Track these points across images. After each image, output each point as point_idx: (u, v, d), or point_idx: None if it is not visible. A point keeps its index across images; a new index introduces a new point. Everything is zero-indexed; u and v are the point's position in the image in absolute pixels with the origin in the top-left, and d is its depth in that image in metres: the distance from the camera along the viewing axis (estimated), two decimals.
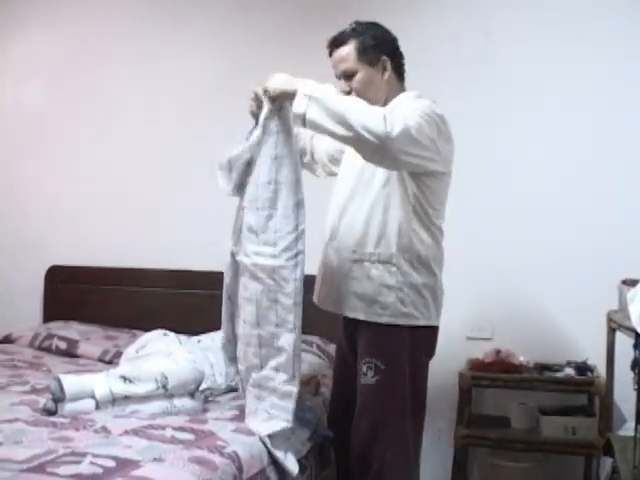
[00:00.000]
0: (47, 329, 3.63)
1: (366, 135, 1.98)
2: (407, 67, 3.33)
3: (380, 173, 2.23)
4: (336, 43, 2.31)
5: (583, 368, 2.97)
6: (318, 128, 2.07)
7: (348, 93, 2.29)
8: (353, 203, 2.29)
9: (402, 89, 2.40)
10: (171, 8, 3.89)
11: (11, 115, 4.20)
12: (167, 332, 2.95)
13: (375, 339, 2.24)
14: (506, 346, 3.07)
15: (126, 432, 2.03)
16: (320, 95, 2.03)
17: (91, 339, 3.49)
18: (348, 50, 2.28)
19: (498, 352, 3.04)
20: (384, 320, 2.21)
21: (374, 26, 2.35)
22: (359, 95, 2.26)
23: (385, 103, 2.30)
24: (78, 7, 4.08)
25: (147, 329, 3.07)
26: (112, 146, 3.95)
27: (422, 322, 2.23)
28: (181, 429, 2.10)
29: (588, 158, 3.23)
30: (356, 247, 2.25)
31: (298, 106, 2.03)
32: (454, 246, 3.30)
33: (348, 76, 2.29)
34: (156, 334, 2.94)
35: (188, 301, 3.61)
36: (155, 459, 1.79)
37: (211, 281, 3.50)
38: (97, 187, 3.97)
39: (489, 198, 3.33)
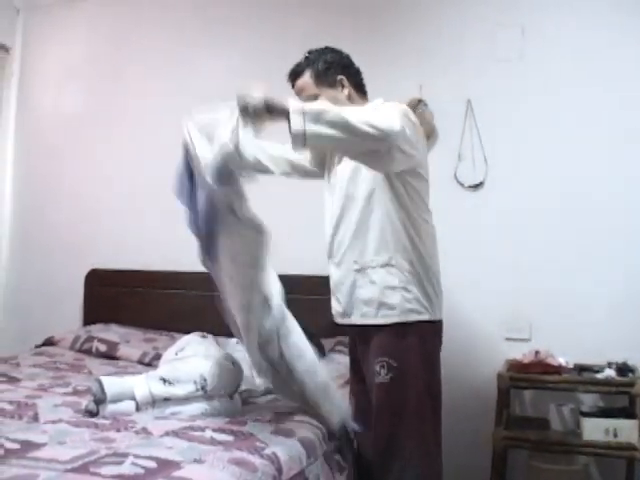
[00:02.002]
0: (87, 332, 3.68)
1: (371, 131, 1.97)
2: (445, 64, 3.36)
3: (364, 185, 2.29)
4: (294, 76, 2.43)
5: (624, 369, 2.92)
6: (320, 140, 1.99)
7: None
8: (344, 219, 2.35)
9: (366, 102, 2.48)
10: (202, 14, 3.94)
11: (51, 120, 4.29)
12: (205, 334, 2.98)
13: (385, 339, 2.29)
14: (545, 347, 3.04)
15: (166, 433, 2.04)
16: (313, 108, 1.98)
17: (130, 341, 3.53)
18: (305, 79, 2.39)
19: (537, 353, 3.00)
20: (393, 320, 2.27)
21: (326, 51, 2.44)
22: None
23: None
24: (113, 15, 4.16)
25: (185, 331, 3.10)
26: (149, 150, 4.00)
27: (427, 317, 2.29)
28: (220, 430, 2.11)
29: (625, 157, 3.18)
30: (357, 258, 2.32)
31: (295, 124, 1.93)
32: (491, 246, 3.31)
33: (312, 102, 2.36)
34: (194, 336, 2.96)
35: None
36: (195, 460, 1.80)
37: None
38: (135, 191, 4.02)
39: (525, 197, 3.30)
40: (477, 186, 3.38)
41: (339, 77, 2.40)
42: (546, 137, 3.29)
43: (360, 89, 2.48)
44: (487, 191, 3.37)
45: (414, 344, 2.27)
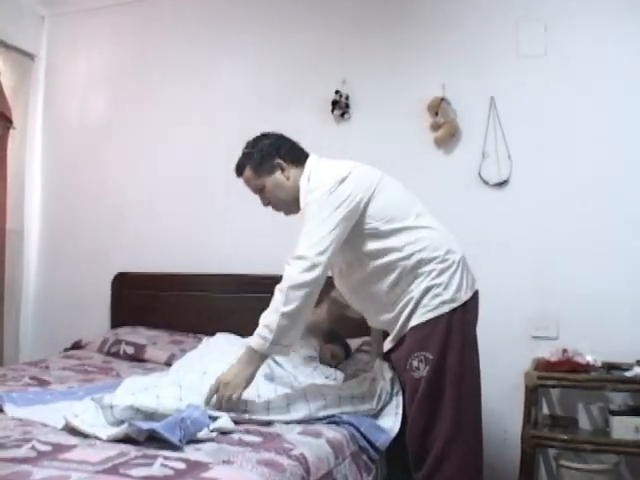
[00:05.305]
0: (115, 334, 3.71)
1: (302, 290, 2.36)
2: (467, 61, 3.34)
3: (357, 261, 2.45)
4: (238, 172, 2.63)
5: None
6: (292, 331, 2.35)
7: (267, 204, 2.62)
8: (360, 292, 2.52)
9: (302, 168, 2.57)
10: (227, 23, 3.98)
11: (77, 126, 4.33)
12: (229, 335, 2.99)
13: (417, 336, 2.37)
14: (572, 345, 3.01)
15: None
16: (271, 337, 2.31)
17: (158, 344, 3.55)
18: (247, 173, 2.58)
19: (564, 351, 2.98)
20: (429, 317, 2.35)
21: (259, 140, 2.60)
22: (275, 200, 2.58)
23: (298, 192, 2.53)
24: (137, 23, 4.21)
25: (212, 333, 3.11)
26: (174, 156, 4.04)
27: (456, 304, 2.36)
28: (248, 432, 2.13)
29: None
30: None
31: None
32: (517, 244, 3.29)
33: (259, 190, 2.58)
34: (220, 337, 2.98)
35: (251, 305, 3.59)
36: (224, 461, 1.81)
37: (275, 285, 3.52)
38: (160, 196, 4.06)
39: (551, 194, 3.28)
40: (502, 184, 3.36)
41: (276, 161, 2.53)
42: (571, 134, 3.26)
43: (298, 162, 2.56)
44: (512, 189, 3.35)
45: (448, 330, 2.34)
